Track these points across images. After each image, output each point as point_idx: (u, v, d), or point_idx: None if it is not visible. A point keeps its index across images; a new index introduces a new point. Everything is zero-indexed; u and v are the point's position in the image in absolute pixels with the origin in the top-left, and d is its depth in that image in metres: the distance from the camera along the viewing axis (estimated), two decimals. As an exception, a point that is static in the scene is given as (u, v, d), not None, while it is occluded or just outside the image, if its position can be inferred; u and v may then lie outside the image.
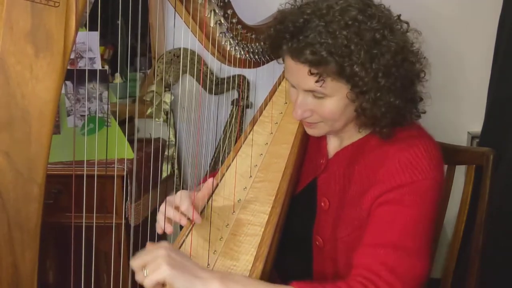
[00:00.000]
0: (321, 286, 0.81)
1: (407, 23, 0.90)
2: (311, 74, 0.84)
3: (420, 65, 0.89)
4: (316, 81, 0.85)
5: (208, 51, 0.99)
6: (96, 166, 0.96)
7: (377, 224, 0.85)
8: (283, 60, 0.94)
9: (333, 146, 1.02)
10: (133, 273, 0.78)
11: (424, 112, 0.93)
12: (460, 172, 1.16)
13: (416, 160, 0.86)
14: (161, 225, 0.92)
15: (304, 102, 0.91)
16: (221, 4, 0.94)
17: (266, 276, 0.88)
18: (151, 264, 0.75)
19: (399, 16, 0.90)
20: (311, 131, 0.97)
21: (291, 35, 0.86)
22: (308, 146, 1.09)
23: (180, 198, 0.91)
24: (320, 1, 0.87)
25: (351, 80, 0.84)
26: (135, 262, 0.77)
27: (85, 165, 0.92)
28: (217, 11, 0.94)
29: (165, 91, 1.65)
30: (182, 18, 0.92)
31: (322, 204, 0.97)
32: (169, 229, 0.91)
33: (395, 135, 0.91)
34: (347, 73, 0.83)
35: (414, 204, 0.84)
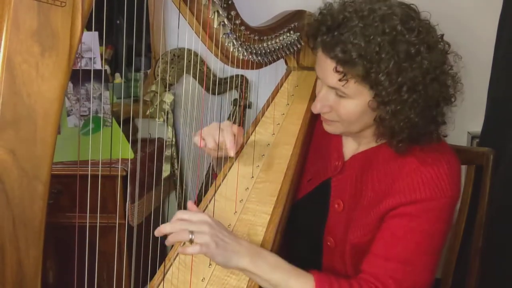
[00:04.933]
0: (336, 281, 0.84)
1: (448, 44, 0.88)
2: (336, 71, 0.85)
3: (453, 90, 0.88)
4: (339, 80, 0.85)
5: (212, 52, 0.99)
6: (100, 166, 0.97)
7: (389, 236, 0.87)
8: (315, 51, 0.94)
9: (350, 149, 1.02)
10: (134, 273, 0.78)
11: (446, 136, 0.92)
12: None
13: (438, 178, 0.86)
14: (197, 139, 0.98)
15: (325, 97, 0.91)
16: (225, 5, 0.95)
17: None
18: (198, 235, 0.78)
19: (442, 35, 0.88)
20: (327, 127, 0.97)
21: (327, 29, 0.87)
22: (315, 147, 1.10)
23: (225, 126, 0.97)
24: (366, 2, 0.87)
25: (375, 88, 0.84)
26: (180, 226, 0.79)
27: (89, 165, 0.92)
28: (220, 12, 0.94)
29: (165, 91, 1.65)
30: (186, 19, 0.92)
31: (336, 205, 0.97)
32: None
33: (416, 147, 0.90)
34: (371, 79, 0.83)
35: (429, 222, 0.86)
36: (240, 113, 1.68)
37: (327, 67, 0.87)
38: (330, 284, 0.83)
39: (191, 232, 0.78)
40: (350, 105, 0.88)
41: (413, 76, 0.82)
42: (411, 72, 0.82)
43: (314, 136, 1.12)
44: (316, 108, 0.92)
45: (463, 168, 1.17)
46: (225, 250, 0.80)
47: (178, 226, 0.80)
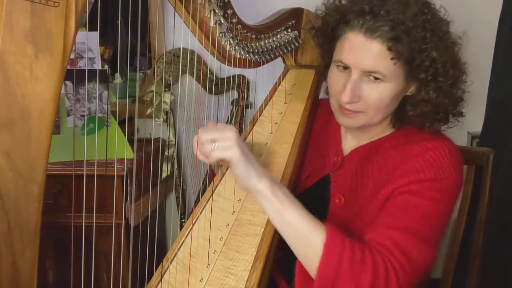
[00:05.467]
0: (349, 239, 0.81)
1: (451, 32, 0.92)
2: (389, 50, 0.84)
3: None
4: (392, 58, 0.85)
5: (208, 51, 0.98)
6: (96, 166, 0.96)
7: (393, 209, 0.86)
8: (332, 39, 0.95)
9: (349, 145, 1.02)
10: (132, 273, 0.78)
11: (463, 115, 0.96)
12: (460, 172, 1.16)
13: (440, 160, 0.87)
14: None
15: (357, 85, 0.89)
16: (221, 4, 0.94)
17: (266, 276, 0.88)
18: (222, 141, 0.80)
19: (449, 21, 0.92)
20: (347, 121, 0.94)
21: (370, 9, 0.86)
22: (313, 144, 1.09)
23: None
24: None
25: (422, 66, 0.86)
26: (205, 135, 0.81)
27: (84, 165, 0.92)
28: (217, 11, 0.94)
29: (165, 91, 1.65)
30: (182, 18, 0.92)
31: (337, 200, 0.97)
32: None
33: (419, 135, 0.92)
34: (419, 57, 0.85)
35: (433, 199, 0.85)
36: (239, 113, 1.68)
37: (368, 49, 0.86)
38: (342, 237, 0.80)
39: (214, 141, 0.79)
40: (385, 89, 0.88)
41: (454, 52, 0.88)
42: (452, 48, 0.88)
43: (312, 133, 1.11)
44: (347, 97, 0.89)
45: (463, 168, 1.16)
46: (248, 160, 0.80)
47: (201, 136, 0.81)
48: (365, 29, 0.86)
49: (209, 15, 0.94)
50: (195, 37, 0.96)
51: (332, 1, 0.97)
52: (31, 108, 0.69)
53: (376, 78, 0.88)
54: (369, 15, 0.86)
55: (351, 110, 0.91)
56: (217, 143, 0.80)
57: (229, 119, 1.70)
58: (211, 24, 0.94)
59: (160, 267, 0.91)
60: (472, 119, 1.46)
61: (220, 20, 0.95)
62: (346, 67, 0.90)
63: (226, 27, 0.96)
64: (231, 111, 1.70)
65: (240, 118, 1.68)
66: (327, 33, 0.98)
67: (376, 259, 0.79)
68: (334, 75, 0.94)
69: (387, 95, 0.89)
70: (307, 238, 0.80)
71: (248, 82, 1.67)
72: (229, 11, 0.96)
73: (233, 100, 1.70)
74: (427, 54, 0.85)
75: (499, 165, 1.16)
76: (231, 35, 0.98)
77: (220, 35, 0.97)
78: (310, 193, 1.02)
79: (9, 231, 0.70)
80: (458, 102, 0.93)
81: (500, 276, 1.24)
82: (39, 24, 0.67)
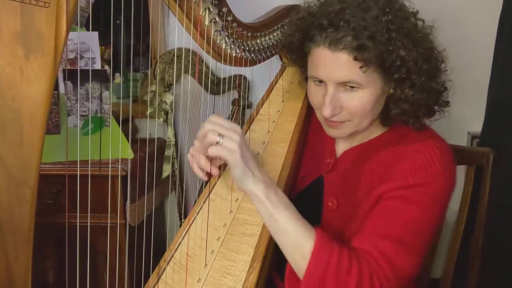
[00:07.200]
0: (338, 247, 0.81)
1: (422, 20, 0.91)
2: (356, 60, 0.83)
3: (440, 63, 0.92)
4: (360, 67, 0.84)
5: (203, 50, 0.97)
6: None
7: (381, 215, 0.85)
8: (303, 55, 0.93)
9: (342, 146, 1.01)
10: (132, 273, 0.78)
11: (448, 102, 0.94)
12: (460, 172, 1.15)
13: (430, 163, 0.86)
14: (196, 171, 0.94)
15: (335, 97, 0.88)
16: (216, 2, 0.93)
17: (263, 277, 0.87)
18: (226, 141, 0.78)
19: (417, 11, 0.91)
20: (335, 132, 0.94)
21: (329, 23, 0.85)
22: (309, 143, 1.08)
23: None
24: None
25: (394, 66, 0.85)
26: (212, 127, 0.79)
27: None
28: (211, 9, 0.93)
29: (165, 91, 1.65)
30: (176, 16, 0.91)
31: (330, 203, 0.96)
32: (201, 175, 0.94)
33: (410, 135, 0.91)
34: (389, 59, 0.84)
35: (421, 204, 0.84)
36: (236, 112, 1.67)
37: (337, 62, 0.85)
38: (331, 245, 0.80)
39: (220, 135, 0.78)
40: (364, 95, 0.87)
41: (426, 46, 0.87)
42: (423, 42, 0.87)
43: (309, 133, 1.11)
44: (328, 111, 0.88)
45: (463, 168, 1.15)
46: (246, 165, 0.80)
47: (208, 126, 0.79)
48: (328, 42, 0.85)
49: (203, 13, 0.93)
50: (190, 35, 0.95)
51: (293, 19, 0.96)
52: (22, 110, 0.68)
53: (352, 87, 0.87)
54: (330, 28, 0.84)
55: (336, 121, 0.91)
56: (222, 141, 0.79)
57: (229, 119, 1.69)
58: (206, 23, 0.94)
59: (157, 267, 0.91)
60: (472, 119, 1.45)
61: (215, 18, 0.94)
62: (321, 81, 0.90)
63: (221, 25, 0.95)
64: (231, 111, 1.69)
65: (240, 118, 1.67)
66: (295, 52, 0.97)
67: (362, 268, 0.79)
68: (313, 90, 0.93)
69: (368, 100, 0.88)
70: (297, 244, 0.81)
71: (248, 82, 1.67)
72: (224, 9, 0.95)
73: (233, 100, 1.69)
74: (396, 54, 0.84)
75: (499, 165, 1.15)
76: (227, 33, 0.97)
77: (215, 33, 0.96)
78: (304, 195, 1.02)
79: (2, 235, 0.70)
80: (439, 94, 0.91)
81: (500, 276, 1.22)
82: (30, 25, 0.66)
